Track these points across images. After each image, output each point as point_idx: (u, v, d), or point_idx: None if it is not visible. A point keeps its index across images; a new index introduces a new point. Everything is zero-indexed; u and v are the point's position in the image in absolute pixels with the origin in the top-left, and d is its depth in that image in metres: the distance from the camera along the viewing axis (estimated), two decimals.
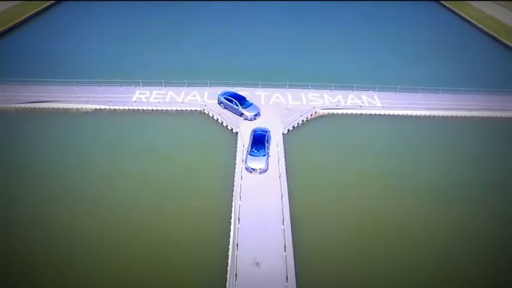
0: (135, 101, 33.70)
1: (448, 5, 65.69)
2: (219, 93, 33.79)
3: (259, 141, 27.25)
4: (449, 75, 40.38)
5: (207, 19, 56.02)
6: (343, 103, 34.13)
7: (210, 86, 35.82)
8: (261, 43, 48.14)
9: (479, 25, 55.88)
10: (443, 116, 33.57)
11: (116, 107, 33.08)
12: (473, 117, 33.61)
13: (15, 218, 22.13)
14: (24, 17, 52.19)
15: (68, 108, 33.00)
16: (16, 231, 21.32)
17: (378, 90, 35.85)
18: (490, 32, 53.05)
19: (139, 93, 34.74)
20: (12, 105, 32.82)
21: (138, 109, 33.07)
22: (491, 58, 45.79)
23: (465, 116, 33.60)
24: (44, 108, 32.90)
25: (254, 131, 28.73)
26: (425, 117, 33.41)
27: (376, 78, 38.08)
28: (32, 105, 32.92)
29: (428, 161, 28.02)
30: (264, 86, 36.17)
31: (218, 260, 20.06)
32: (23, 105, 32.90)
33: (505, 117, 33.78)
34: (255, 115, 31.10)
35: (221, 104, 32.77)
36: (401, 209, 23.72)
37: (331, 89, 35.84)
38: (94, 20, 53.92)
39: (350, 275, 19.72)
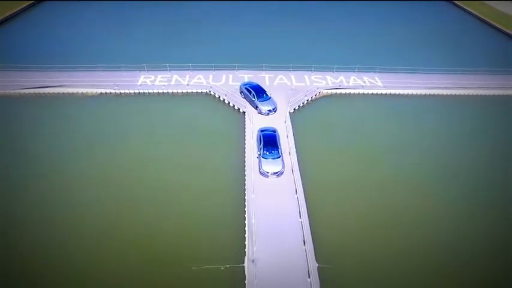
0: (141, 85, 33.90)
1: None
2: (241, 82, 33.20)
3: (271, 142, 25.13)
4: (446, 58, 41.48)
5: (209, 7, 56.52)
6: (345, 83, 34.93)
7: (214, 70, 36.22)
8: (263, 29, 49.00)
9: (474, 12, 57.31)
10: (441, 94, 34.58)
11: (122, 91, 33.21)
12: (469, 95, 34.71)
13: (23, 204, 21.67)
14: (18, 8, 51.87)
15: (73, 93, 33.00)
16: (22, 217, 20.84)
17: (378, 72, 36.75)
18: (486, 18, 54.40)
19: (144, 78, 34.92)
20: (16, 91, 32.67)
21: (144, 92, 33.25)
22: (486, 42, 47.17)
23: (462, 94, 34.69)
24: (49, 93, 32.84)
25: (261, 131, 26.57)
26: (425, 95, 34.38)
27: (376, 61, 38.92)
28: (36, 91, 32.82)
29: (431, 136, 28.95)
30: (267, 68, 36.75)
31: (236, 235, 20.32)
32: (26, 91, 32.78)
33: (498, 94, 35.01)
34: (269, 110, 29.63)
35: (241, 94, 32.13)
36: (414, 185, 24.30)
37: (333, 71, 36.59)
38: (89, 12, 53.75)
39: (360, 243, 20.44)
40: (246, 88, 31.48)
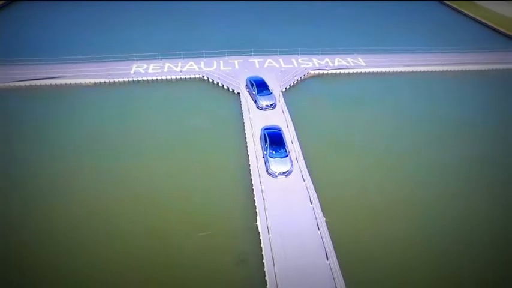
0: (134, 73, 34.53)
1: None
2: (248, 76, 32.92)
3: (276, 140, 23.85)
4: (421, 39, 44.44)
5: None
6: (331, 64, 37.00)
7: (205, 57, 37.36)
8: (249, 18, 51.25)
9: (453, 5, 60.70)
10: (417, 70, 37.33)
11: (116, 80, 33.74)
12: (443, 71, 37.66)
13: (21, 196, 21.31)
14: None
15: (67, 84, 33.22)
16: (21, 208, 20.53)
17: (361, 53, 39.13)
18: (462, 9, 57.76)
19: (137, 67, 35.55)
20: (7, 84, 32.54)
21: (138, 80, 33.92)
22: (458, 27, 50.75)
23: (437, 70, 37.61)
24: (42, 85, 32.90)
25: (265, 129, 25.31)
26: (403, 72, 37.05)
27: (358, 43, 41.32)
28: (28, 83, 32.79)
29: (410, 105, 31.49)
30: (256, 53, 38.31)
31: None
32: (17, 84, 32.70)
33: (468, 70, 38.18)
34: (267, 106, 29.06)
35: (246, 87, 31.97)
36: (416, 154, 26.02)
37: (318, 54, 38.62)
38: (77, 7, 53.46)
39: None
40: (249, 81, 31.46)
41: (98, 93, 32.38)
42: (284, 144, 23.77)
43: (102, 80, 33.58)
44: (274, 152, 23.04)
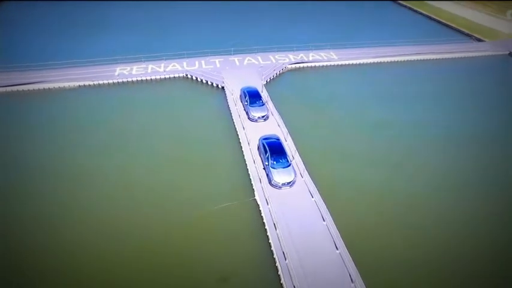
0: (118, 75, 35.32)
1: None
2: (242, 87, 32.08)
3: (277, 149, 23.07)
4: (382, 35, 48.49)
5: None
6: (306, 59, 39.68)
7: (187, 57, 38.83)
8: (226, 19, 53.76)
9: (409, 5, 66.72)
10: (385, 61, 40.89)
11: (101, 82, 34.37)
12: (406, 60, 41.48)
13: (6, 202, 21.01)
14: None
15: (50, 88, 33.42)
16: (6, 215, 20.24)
17: (332, 48, 42.27)
18: (417, 9, 63.45)
19: (120, 69, 36.34)
20: None
21: (123, 81, 34.74)
22: (414, 24, 55.71)
23: (400, 60, 41.37)
24: (24, 90, 32.97)
25: (264, 139, 24.48)
26: (371, 63, 40.46)
27: (327, 40, 44.49)
28: (10, 89, 32.71)
29: (378, 92, 34.63)
30: (236, 52, 40.38)
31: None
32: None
33: (428, 59, 42.35)
34: (258, 117, 28.18)
35: (240, 97, 31.42)
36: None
37: (293, 50, 41.29)
38: (54, 11, 53.35)
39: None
40: (243, 92, 30.61)
41: (83, 95, 32.78)
42: (285, 153, 23.07)
43: (86, 83, 34.09)
44: (275, 162, 22.25)
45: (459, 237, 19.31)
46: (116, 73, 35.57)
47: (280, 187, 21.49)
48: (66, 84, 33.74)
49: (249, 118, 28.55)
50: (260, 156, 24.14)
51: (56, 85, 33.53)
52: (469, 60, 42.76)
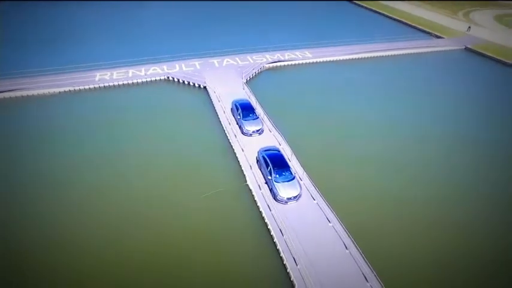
0: (99, 80, 35.41)
1: None
2: (234, 99, 30.52)
3: (279, 162, 21.87)
4: (349, 34, 51.54)
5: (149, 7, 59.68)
6: (282, 58, 41.53)
7: (167, 61, 39.55)
8: (200, 24, 54.85)
9: (368, 6, 71.05)
10: (353, 58, 43.57)
11: (82, 87, 34.32)
12: (373, 56, 44.47)
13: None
14: None
15: (29, 95, 32.97)
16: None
17: (306, 48, 44.50)
18: (377, 10, 68.07)
19: (101, 75, 36.45)
20: None
21: (104, 86, 34.86)
22: (376, 24, 59.44)
23: (367, 56, 44.25)
24: (1, 98, 32.33)
25: (264, 151, 23.40)
26: (344, 60, 42.94)
27: (300, 40, 46.94)
28: None
29: (351, 83, 36.95)
30: (214, 55, 41.71)
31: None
32: None
33: (393, 54, 45.52)
34: (253, 131, 26.66)
35: (232, 110, 30.13)
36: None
37: (269, 51, 43.09)
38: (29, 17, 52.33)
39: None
40: (235, 105, 29.17)
41: (64, 101, 32.54)
42: (288, 166, 21.92)
43: (67, 89, 33.94)
44: (278, 175, 21.13)
45: (465, 234, 19.64)
46: (97, 78, 35.65)
47: (286, 202, 20.36)
48: (46, 91, 33.40)
49: (242, 133, 26.82)
50: (260, 169, 22.83)
51: (35, 92, 33.13)
52: (432, 54, 46.36)
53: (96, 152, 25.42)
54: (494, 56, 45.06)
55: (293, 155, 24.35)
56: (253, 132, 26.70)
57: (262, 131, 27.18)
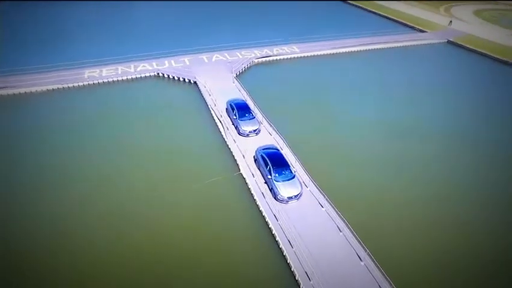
0: (88, 77, 35.22)
1: None
2: (228, 99, 29.72)
3: (278, 161, 21.58)
4: (337, 30, 52.52)
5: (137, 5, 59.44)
6: (271, 53, 42.12)
7: (156, 58, 39.60)
8: (190, 20, 55.54)
9: (358, 4, 72.32)
10: (341, 52, 44.51)
11: (70, 85, 34.09)
12: (358, 50, 45.55)
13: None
14: None
15: (15, 94, 32.52)
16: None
17: (294, 43, 45.27)
18: (361, 5, 69.47)
19: (90, 72, 36.25)
20: None
21: (93, 83, 34.70)
22: (362, 20, 60.72)
23: (352, 51, 45.29)
24: None
25: (262, 149, 23.06)
26: (329, 54, 43.87)
27: (290, 36, 47.73)
28: None
29: (339, 75, 37.85)
30: (203, 51, 42.01)
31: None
32: None
33: (376, 48, 46.70)
34: (250, 132, 26.26)
35: (226, 111, 29.45)
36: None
37: (258, 47, 43.60)
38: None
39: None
40: (230, 105, 28.56)
41: (53, 98, 32.23)
42: (288, 164, 21.61)
43: (55, 87, 33.65)
44: (277, 175, 20.83)
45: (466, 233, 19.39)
46: (86, 75, 35.47)
47: (287, 201, 20.16)
48: (34, 89, 33.02)
49: (239, 133, 26.46)
50: (259, 169, 22.59)
51: (22, 90, 32.70)
52: (415, 47, 47.75)
53: (86, 149, 25.27)
54: (475, 48, 46.77)
55: (285, 147, 24.86)
56: (250, 132, 26.40)
57: (259, 130, 26.87)
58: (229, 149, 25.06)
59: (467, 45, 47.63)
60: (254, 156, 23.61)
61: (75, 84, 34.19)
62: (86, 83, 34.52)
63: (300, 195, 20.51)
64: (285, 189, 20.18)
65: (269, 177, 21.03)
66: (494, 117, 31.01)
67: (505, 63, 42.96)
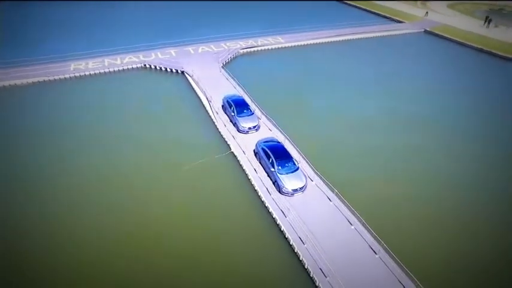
0: (74, 70, 35.09)
1: None
2: (225, 95, 29.01)
3: (280, 153, 21.05)
4: (321, 22, 53.93)
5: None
6: (256, 44, 42.98)
7: (142, 50, 39.79)
8: (173, 12, 55.92)
9: None
10: (323, 41, 45.88)
11: (56, 77, 33.89)
12: (339, 40, 47.00)
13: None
14: None
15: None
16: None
17: (279, 34, 46.32)
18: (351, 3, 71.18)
19: (75, 65, 36.10)
20: None
21: (80, 75, 34.61)
22: (343, 12, 62.41)
23: (335, 40, 46.67)
24: None
25: (263, 142, 22.51)
26: (313, 44, 45.17)
27: (273, 27, 48.74)
28: None
29: (319, 64, 39.10)
30: (189, 43, 42.56)
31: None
32: None
33: (357, 38, 48.30)
34: (250, 128, 25.35)
35: (223, 107, 28.57)
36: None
37: (243, 38, 44.39)
38: None
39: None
40: (227, 101, 27.56)
41: (37, 91, 31.93)
42: (290, 156, 21.14)
43: (41, 79, 33.39)
44: (280, 167, 20.30)
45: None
46: (71, 68, 35.34)
47: (292, 194, 19.57)
48: (18, 82, 32.64)
49: (238, 130, 25.56)
50: (260, 162, 22.10)
51: (7, 83, 32.31)
52: (394, 36, 49.62)
53: (78, 141, 25.06)
54: (450, 37, 49.00)
55: (286, 140, 24.25)
56: (250, 128, 25.41)
57: (259, 127, 25.95)
58: (220, 132, 25.68)
59: (443, 34, 49.83)
60: (254, 150, 23.11)
61: (61, 77, 34.02)
62: (72, 75, 34.40)
63: (305, 188, 19.98)
64: (289, 181, 19.58)
65: (272, 169, 20.43)
66: (468, 101, 32.58)
67: (480, 50, 45.21)
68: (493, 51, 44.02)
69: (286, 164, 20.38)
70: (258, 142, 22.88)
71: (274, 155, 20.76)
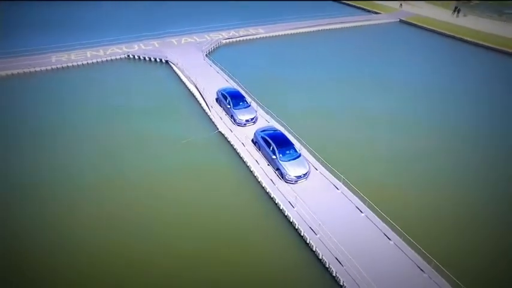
0: (55, 61, 34.89)
1: None
2: (219, 88, 28.21)
3: (281, 141, 20.87)
4: (302, 13, 55.28)
5: None
6: (237, 35, 43.82)
7: (125, 43, 39.90)
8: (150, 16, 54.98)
9: None
10: (302, 31, 47.17)
11: (38, 69, 33.63)
12: (319, 30, 48.49)
13: None
14: None
15: None
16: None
17: (259, 25, 47.35)
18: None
19: (57, 58, 35.87)
20: None
21: (62, 67, 34.45)
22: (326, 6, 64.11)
23: (312, 30, 48.13)
24: None
25: (262, 131, 22.19)
26: (292, 34, 46.42)
27: (254, 18, 49.74)
28: None
29: (300, 52, 40.35)
30: (171, 34, 43.06)
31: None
32: None
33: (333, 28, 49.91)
34: (247, 120, 24.78)
35: (217, 101, 27.80)
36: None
37: (224, 29, 45.16)
38: None
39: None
40: (222, 94, 26.81)
41: (17, 83, 31.50)
42: (291, 143, 20.97)
43: (20, 71, 33.05)
44: (282, 155, 19.97)
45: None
46: (53, 60, 35.13)
47: (295, 181, 19.28)
48: None
49: (236, 123, 24.98)
50: (261, 151, 21.73)
51: None
52: (372, 26, 51.56)
53: (70, 134, 24.56)
54: (423, 25, 51.29)
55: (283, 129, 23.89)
56: (247, 121, 24.80)
57: (257, 119, 25.35)
58: (205, 112, 26.32)
59: (417, 23, 52.08)
60: (253, 139, 22.76)
61: (43, 68, 33.80)
62: (54, 66, 34.22)
63: (308, 174, 19.74)
64: (292, 168, 19.30)
65: (273, 157, 20.08)
66: (441, 86, 33.93)
67: (452, 37, 47.52)
68: (464, 37, 46.47)
69: (288, 151, 20.21)
70: (256, 131, 22.59)
71: (275, 143, 20.51)
